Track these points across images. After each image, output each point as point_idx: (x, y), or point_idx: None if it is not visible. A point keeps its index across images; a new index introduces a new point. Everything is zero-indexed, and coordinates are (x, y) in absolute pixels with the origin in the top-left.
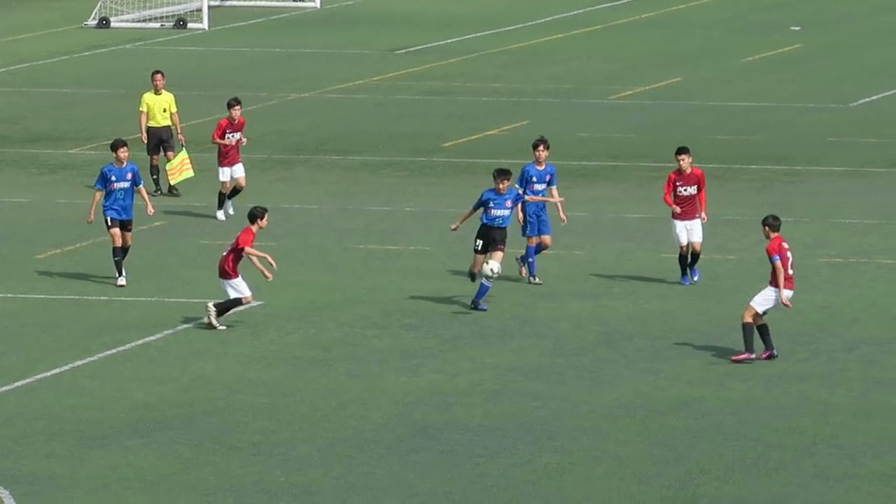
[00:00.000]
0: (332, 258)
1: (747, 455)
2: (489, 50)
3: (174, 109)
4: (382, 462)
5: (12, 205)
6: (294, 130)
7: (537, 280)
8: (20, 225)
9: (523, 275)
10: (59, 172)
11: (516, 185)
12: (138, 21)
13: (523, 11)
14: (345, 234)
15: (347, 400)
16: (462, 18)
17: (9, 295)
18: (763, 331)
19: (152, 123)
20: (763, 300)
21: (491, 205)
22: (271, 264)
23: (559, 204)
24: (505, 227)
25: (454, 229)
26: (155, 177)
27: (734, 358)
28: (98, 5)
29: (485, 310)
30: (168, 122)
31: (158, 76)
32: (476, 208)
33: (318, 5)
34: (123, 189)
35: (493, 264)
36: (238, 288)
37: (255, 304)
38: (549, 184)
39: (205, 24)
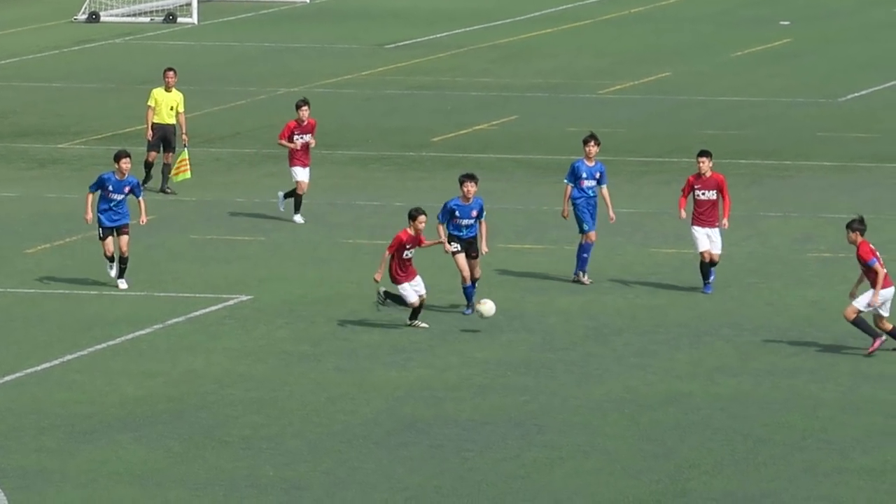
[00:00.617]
0: (321, 252)
1: (736, 450)
2: (478, 45)
3: (181, 109)
4: (371, 456)
5: (1, 199)
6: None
7: (587, 278)
8: (9, 219)
9: (584, 279)
10: (49, 167)
11: (564, 181)
12: (128, 15)
13: (512, 6)
14: (334, 229)
15: (337, 395)
16: (451, 13)
17: None
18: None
19: (158, 120)
20: (867, 301)
21: (457, 214)
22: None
23: (608, 203)
24: (472, 238)
25: (430, 244)
26: (148, 172)
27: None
28: (88, 0)
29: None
30: (173, 121)
31: (171, 73)
32: (444, 222)
33: (308, 0)
34: (118, 201)
35: (489, 307)
36: (402, 292)
37: (244, 298)
38: (598, 182)
39: (194, 19)
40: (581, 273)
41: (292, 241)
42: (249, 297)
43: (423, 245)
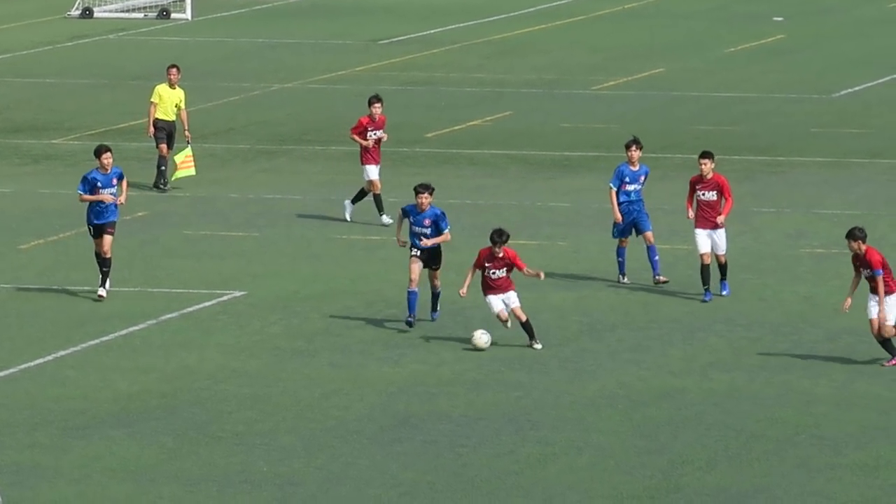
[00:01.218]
0: (314, 248)
1: (730, 445)
2: (472, 40)
3: (183, 106)
4: (365, 452)
5: None
6: (277, 121)
7: (626, 280)
8: (3, 215)
9: (662, 280)
10: (43, 163)
11: (610, 185)
12: (121, 11)
13: (506, 2)
14: (328, 225)
15: (330, 390)
16: (445, 9)
17: None
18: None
19: (162, 116)
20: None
21: (411, 219)
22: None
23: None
24: (426, 249)
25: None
26: (163, 168)
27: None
28: None
29: (412, 326)
30: (176, 118)
31: (174, 70)
32: (402, 219)
33: None
34: (110, 194)
35: (484, 338)
36: (489, 304)
37: (237, 293)
38: (642, 184)
39: (188, 15)
40: (622, 274)
41: (286, 237)
42: (243, 292)
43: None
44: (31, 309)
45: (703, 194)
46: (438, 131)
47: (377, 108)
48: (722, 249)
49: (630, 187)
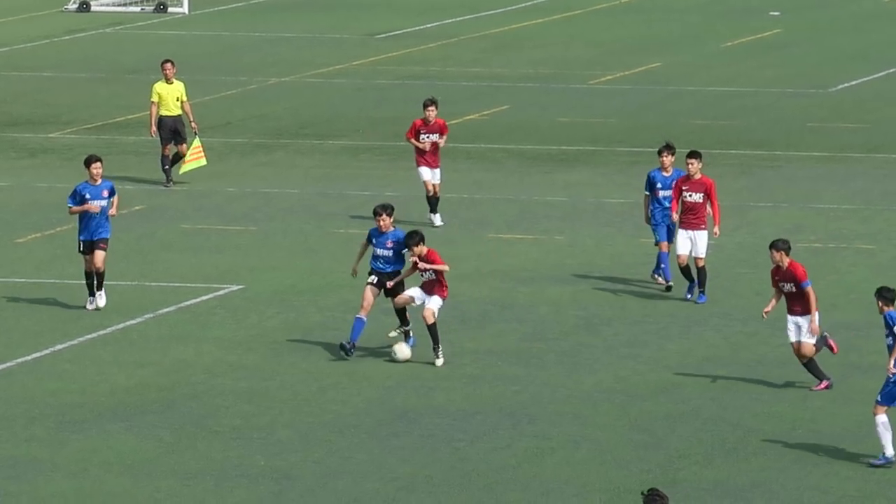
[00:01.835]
0: (312, 242)
1: (727, 440)
2: (469, 35)
3: (185, 98)
4: (363, 446)
5: None
6: (274, 115)
7: (671, 282)
8: (0, 209)
9: (659, 282)
10: (40, 156)
11: (645, 191)
12: (119, 5)
13: None
14: (325, 219)
15: (328, 384)
16: (441, 3)
17: None
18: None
19: (165, 112)
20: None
21: (374, 241)
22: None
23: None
24: (388, 272)
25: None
26: (167, 167)
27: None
28: None
29: (350, 354)
30: (180, 112)
31: (168, 65)
32: (366, 246)
33: None
34: (101, 207)
35: (403, 351)
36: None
37: (234, 287)
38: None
39: (185, 9)
40: (656, 275)
41: (283, 230)
42: (240, 286)
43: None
44: (28, 303)
45: (689, 195)
46: None
47: (431, 112)
48: (701, 252)
49: (662, 193)
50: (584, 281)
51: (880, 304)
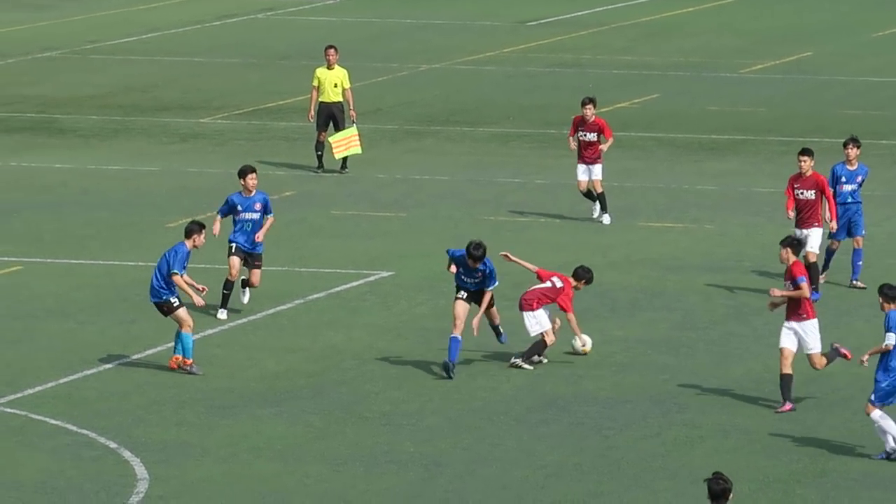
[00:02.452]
0: (461, 229)
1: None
2: (619, 23)
3: (347, 85)
4: (511, 433)
5: (143, 173)
6: (424, 101)
7: (860, 284)
8: (150, 193)
9: (858, 286)
10: (190, 141)
11: (827, 187)
12: None
13: None
14: (474, 206)
15: (477, 371)
16: None
17: (140, 263)
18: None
19: (323, 98)
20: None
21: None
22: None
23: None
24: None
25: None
26: (320, 153)
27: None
28: None
29: (451, 375)
30: (339, 98)
31: (331, 51)
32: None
33: None
34: (252, 220)
35: (585, 340)
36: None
37: (384, 273)
38: (860, 185)
39: None
40: (854, 281)
41: (433, 217)
42: (390, 272)
43: None
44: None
45: (801, 193)
46: None
47: (588, 110)
48: (812, 247)
49: (846, 188)
50: (733, 270)
51: (882, 301)
